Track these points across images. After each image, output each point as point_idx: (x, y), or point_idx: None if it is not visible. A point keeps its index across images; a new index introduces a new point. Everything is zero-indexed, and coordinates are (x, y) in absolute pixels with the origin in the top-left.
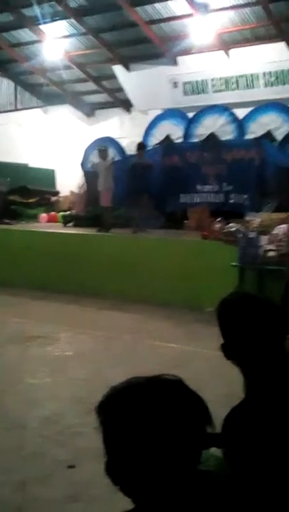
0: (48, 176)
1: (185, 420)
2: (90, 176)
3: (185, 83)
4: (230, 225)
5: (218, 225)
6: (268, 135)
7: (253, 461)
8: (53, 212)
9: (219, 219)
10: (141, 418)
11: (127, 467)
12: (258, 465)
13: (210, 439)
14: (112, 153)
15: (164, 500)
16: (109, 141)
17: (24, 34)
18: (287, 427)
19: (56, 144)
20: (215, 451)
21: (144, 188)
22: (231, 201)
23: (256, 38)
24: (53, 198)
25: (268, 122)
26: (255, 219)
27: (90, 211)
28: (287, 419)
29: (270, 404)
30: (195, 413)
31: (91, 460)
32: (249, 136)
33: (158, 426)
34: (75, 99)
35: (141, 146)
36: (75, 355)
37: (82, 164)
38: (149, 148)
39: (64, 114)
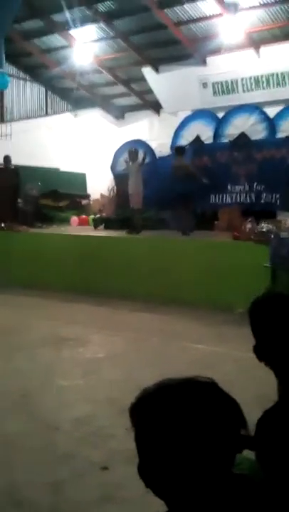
0: (78, 180)
1: (219, 422)
2: (120, 178)
3: (214, 83)
4: (262, 225)
5: (249, 226)
6: None
7: (287, 464)
8: (83, 216)
9: (250, 219)
10: (174, 420)
11: (160, 470)
12: None
13: (244, 441)
14: (141, 155)
15: (198, 504)
16: (139, 144)
17: (54, 39)
18: None
19: (86, 148)
20: (248, 454)
21: (187, 191)
22: (262, 201)
23: (286, 36)
24: (84, 202)
25: None
26: (287, 219)
27: (120, 214)
28: None
29: None
30: (229, 415)
31: (124, 462)
32: (280, 135)
33: (191, 428)
34: (104, 103)
35: (180, 150)
36: (107, 357)
37: (112, 167)
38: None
39: (94, 118)
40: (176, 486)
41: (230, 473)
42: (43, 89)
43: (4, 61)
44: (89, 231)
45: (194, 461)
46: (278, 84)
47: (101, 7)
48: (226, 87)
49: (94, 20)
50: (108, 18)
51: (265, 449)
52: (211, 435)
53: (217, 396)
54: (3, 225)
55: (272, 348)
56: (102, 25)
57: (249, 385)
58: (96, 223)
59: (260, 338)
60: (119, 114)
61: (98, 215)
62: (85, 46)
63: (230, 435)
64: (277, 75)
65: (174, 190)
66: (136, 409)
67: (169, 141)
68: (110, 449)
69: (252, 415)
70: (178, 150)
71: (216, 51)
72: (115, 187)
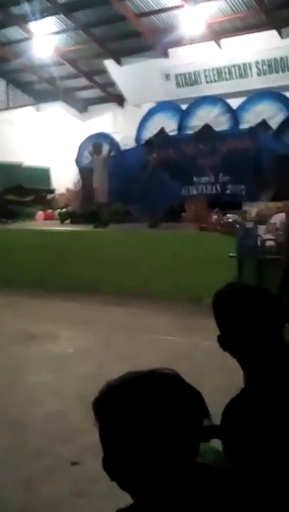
0: (42, 174)
1: (180, 413)
2: (85, 172)
3: (177, 75)
4: (228, 215)
5: (215, 217)
6: (263, 124)
7: (253, 451)
8: (49, 210)
9: (216, 210)
10: (136, 413)
11: (124, 462)
12: (257, 455)
13: (208, 431)
14: (106, 149)
15: (162, 495)
16: (103, 137)
17: (14, 32)
18: (286, 416)
19: (50, 142)
20: (213, 443)
21: (154, 183)
22: (228, 192)
23: (247, 26)
24: (49, 196)
25: (262, 111)
26: (252, 209)
27: (86, 208)
28: (286, 409)
29: (269, 393)
30: (190, 406)
31: (94, 457)
32: (244, 126)
33: (153, 420)
34: (67, 96)
35: (149, 144)
36: (77, 352)
37: (77, 161)
38: (142, 142)
39: (57, 111)
40: (139, 478)
41: (194, 463)
42: (3, 83)
43: None
44: (55, 226)
45: (157, 452)
46: (240, 75)
47: None
48: (188, 79)
49: (54, 12)
50: (68, 9)
51: (231, 436)
52: (172, 426)
53: (178, 387)
54: None
55: (235, 337)
56: (62, 16)
57: (219, 375)
58: (62, 218)
59: (224, 328)
60: (83, 107)
61: (64, 210)
62: (45, 38)
63: (192, 426)
64: (239, 66)
65: (144, 182)
66: (99, 403)
67: (133, 134)
68: (81, 444)
69: (222, 404)
70: (147, 143)
71: (178, 43)
72: (81, 181)
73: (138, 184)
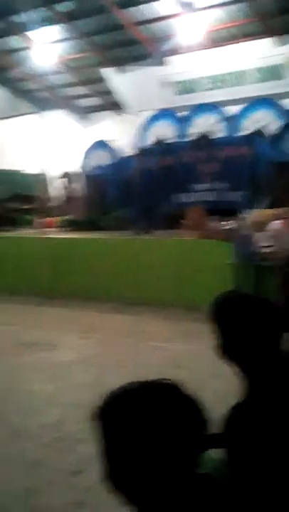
0: (43, 182)
1: (180, 424)
2: (90, 179)
3: (175, 83)
4: (225, 222)
5: (213, 224)
6: (260, 131)
7: (255, 459)
8: (49, 218)
9: (214, 217)
10: (136, 424)
11: (125, 472)
12: (259, 463)
13: (208, 441)
14: (105, 156)
15: (164, 505)
16: (102, 145)
17: (14, 41)
18: (287, 424)
19: (52, 149)
20: (212, 453)
21: (147, 190)
22: (225, 199)
23: (244, 34)
24: (50, 204)
25: (260, 118)
26: (250, 216)
27: (88, 215)
28: (286, 416)
29: (269, 401)
30: (190, 417)
31: (95, 466)
32: (241, 134)
33: (153, 431)
34: (68, 104)
35: (142, 152)
36: (76, 360)
37: (82, 168)
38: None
39: (58, 119)
40: (141, 488)
41: (195, 473)
42: (5, 91)
43: None
44: (55, 233)
45: (157, 462)
46: (238, 82)
47: (60, 7)
48: (186, 87)
49: (54, 21)
50: (68, 18)
51: (232, 445)
52: (172, 437)
53: (179, 398)
54: None
55: (233, 346)
56: (62, 25)
57: (218, 382)
58: (63, 225)
59: (221, 336)
60: (83, 115)
61: (66, 217)
62: (46, 47)
63: (192, 436)
64: (235, 73)
65: (141, 189)
66: (100, 414)
67: (132, 141)
68: (80, 453)
69: (221, 412)
70: (141, 152)
71: (176, 51)
72: (86, 188)
73: (135, 191)
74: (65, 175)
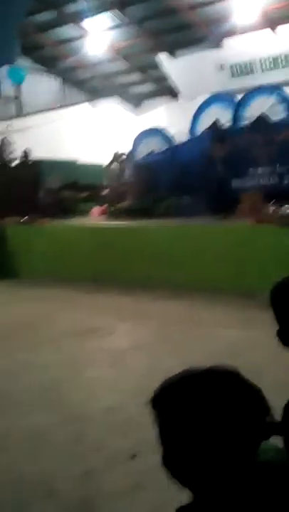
0: (97, 171)
1: (241, 411)
2: (139, 167)
3: (232, 65)
4: (285, 207)
5: (271, 208)
6: None
7: None
8: (104, 206)
9: (273, 202)
10: (196, 411)
11: (184, 460)
12: None
13: (269, 428)
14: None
15: (223, 492)
16: (155, 132)
17: (68, 30)
18: None
19: (105, 138)
20: (274, 441)
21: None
22: (285, 182)
23: None
24: (104, 192)
25: None
26: None
27: (139, 202)
28: None
29: None
30: (251, 404)
31: (153, 450)
32: None
33: (213, 418)
34: (121, 91)
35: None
36: (132, 346)
37: (131, 155)
38: (198, 135)
39: (111, 107)
40: (200, 476)
41: (256, 461)
42: (59, 81)
43: (19, 54)
44: (108, 221)
45: (217, 450)
46: None
47: None
48: (243, 69)
49: (106, 8)
50: (120, 5)
51: None
52: (233, 424)
53: (240, 384)
54: (24, 218)
55: None
56: (114, 12)
57: (276, 370)
58: (116, 213)
59: (283, 322)
60: (137, 102)
61: (119, 205)
62: (98, 35)
63: (253, 423)
64: None
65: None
66: (158, 400)
67: (187, 127)
68: (139, 437)
69: (280, 401)
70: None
71: (232, 32)
72: (138, 175)
73: (196, 177)
74: (117, 160)
